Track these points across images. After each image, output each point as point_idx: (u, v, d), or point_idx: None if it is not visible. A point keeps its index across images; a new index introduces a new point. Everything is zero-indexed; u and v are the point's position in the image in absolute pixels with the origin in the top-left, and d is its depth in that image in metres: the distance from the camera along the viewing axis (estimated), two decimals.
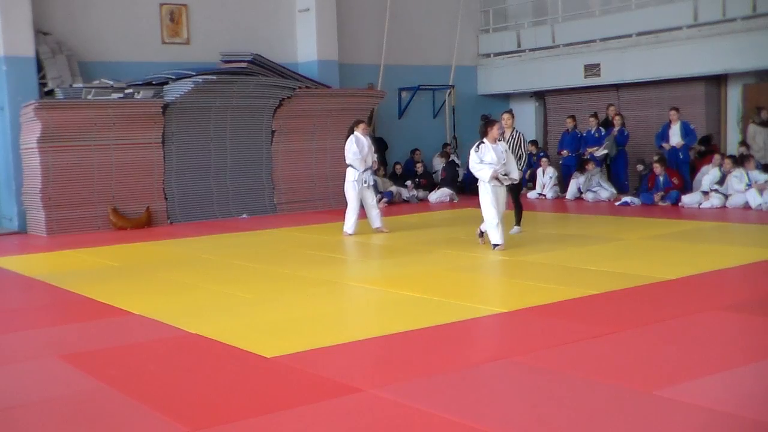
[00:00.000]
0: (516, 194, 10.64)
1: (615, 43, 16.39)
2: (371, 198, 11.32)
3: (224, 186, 14.29)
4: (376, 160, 11.58)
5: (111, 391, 4.67)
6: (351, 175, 11.16)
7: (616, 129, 15.47)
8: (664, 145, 14.76)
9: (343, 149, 15.52)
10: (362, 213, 11.35)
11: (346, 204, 15.23)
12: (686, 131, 14.63)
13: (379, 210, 11.45)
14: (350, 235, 11.09)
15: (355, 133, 11.20)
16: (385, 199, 15.39)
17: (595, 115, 15.94)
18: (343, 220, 11.21)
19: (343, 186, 15.43)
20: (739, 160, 13.32)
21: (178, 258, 9.89)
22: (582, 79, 17.03)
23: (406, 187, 16.47)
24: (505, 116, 10.64)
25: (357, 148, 11.03)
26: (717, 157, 14.07)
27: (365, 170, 11.15)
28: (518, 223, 10.68)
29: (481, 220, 9.46)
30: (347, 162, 11.20)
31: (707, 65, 14.95)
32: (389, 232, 11.21)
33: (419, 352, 5.36)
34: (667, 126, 14.82)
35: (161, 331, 6.07)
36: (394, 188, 16.24)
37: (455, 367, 4.91)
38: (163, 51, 14.80)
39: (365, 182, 11.11)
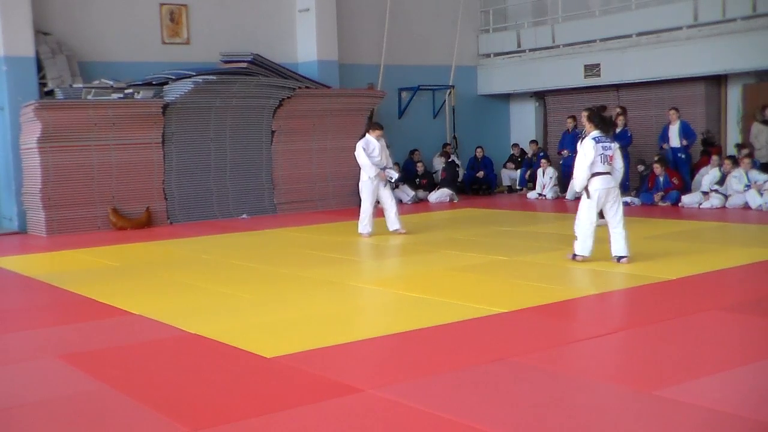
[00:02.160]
0: None
1: (615, 43, 16.39)
2: (390, 198, 11.02)
3: (224, 186, 14.29)
4: (391, 174, 11.18)
5: (111, 391, 4.67)
6: (364, 173, 10.93)
7: (619, 129, 15.46)
8: (664, 146, 14.77)
9: (344, 149, 15.67)
10: (379, 212, 11.25)
11: (346, 204, 15.44)
12: (686, 132, 14.64)
13: (397, 210, 11.12)
14: (365, 236, 10.83)
15: (366, 135, 11.01)
16: None
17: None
18: (343, 220, 11.17)
19: (343, 186, 15.59)
20: (738, 161, 13.36)
21: (178, 258, 9.89)
22: (582, 79, 17.02)
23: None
24: (584, 113, 10.62)
25: (364, 155, 10.79)
26: (716, 157, 14.09)
27: (384, 168, 10.91)
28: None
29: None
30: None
31: (707, 65, 14.95)
32: (407, 233, 10.94)
33: (419, 352, 5.36)
34: (668, 127, 14.83)
35: (161, 331, 6.07)
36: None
37: (455, 367, 4.91)
38: (163, 51, 14.79)
39: (390, 178, 10.97)
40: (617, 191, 8.25)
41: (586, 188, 8.19)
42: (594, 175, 8.10)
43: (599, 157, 8.06)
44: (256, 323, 6.26)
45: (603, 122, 8.27)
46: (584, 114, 9.98)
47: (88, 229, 12.87)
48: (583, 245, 8.20)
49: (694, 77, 15.49)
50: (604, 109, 8.65)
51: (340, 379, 4.70)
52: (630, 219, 10.95)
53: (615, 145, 8.28)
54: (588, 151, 8.04)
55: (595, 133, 8.19)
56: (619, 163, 8.24)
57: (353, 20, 16.97)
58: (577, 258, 8.27)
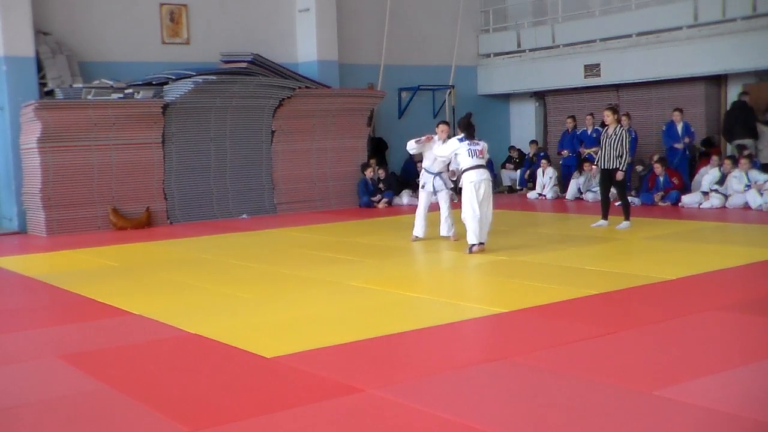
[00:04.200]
0: (621, 190, 11.05)
1: (615, 43, 16.38)
2: (444, 203, 10.30)
3: (224, 186, 14.29)
4: (453, 169, 10.31)
5: (111, 391, 4.67)
6: (421, 177, 10.48)
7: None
8: (677, 145, 14.74)
9: (344, 149, 15.68)
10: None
11: (346, 204, 15.46)
12: (688, 132, 14.67)
13: (449, 214, 10.28)
14: (418, 239, 10.32)
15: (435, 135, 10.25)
16: (385, 200, 15.40)
17: (591, 115, 15.97)
18: (343, 220, 11.08)
19: (343, 186, 15.59)
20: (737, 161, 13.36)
21: (178, 258, 9.89)
22: (582, 79, 17.02)
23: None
24: (606, 112, 10.82)
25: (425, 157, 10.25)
26: (716, 157, 14.08)
27: (436, 174, 10.22)
28: (627, 218, 10.93)
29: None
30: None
31: (707, 65, 14.95)
32: (456, 240, 10.05)
33: (419, 352, 5.36)
34: (673, 125, 14.83)
35: (161, 331, 6.07)
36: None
37: (455, 367, 4.91)
38: (163, 51, 14.79)
39: (433, 187, 10.24)
40: (490, 184, 9.17)
41: (458, 181, 9.19)
42: (468, 169, 9.03)
43: (468, 151, 9.07)
44: (256, 323, 6.26)
45: (468, 127, 9.30)
46: (606, 112, 10.87)
47: (88, 229, 12.87)
48: (474, 234, 8.91)
49: (694, 77, 15.49)
50: (470, 115, 9.57)
51: (340, 379, 4.70)
52: (630, 219, 10.98)
53: (483, 143, 9.37)
54: (452, 144, 9.26)
55: (461, 135, 9.18)
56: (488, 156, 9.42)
57: (353, 20, 16.97)
58: (474, 249, 8.92)
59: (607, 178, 11.00)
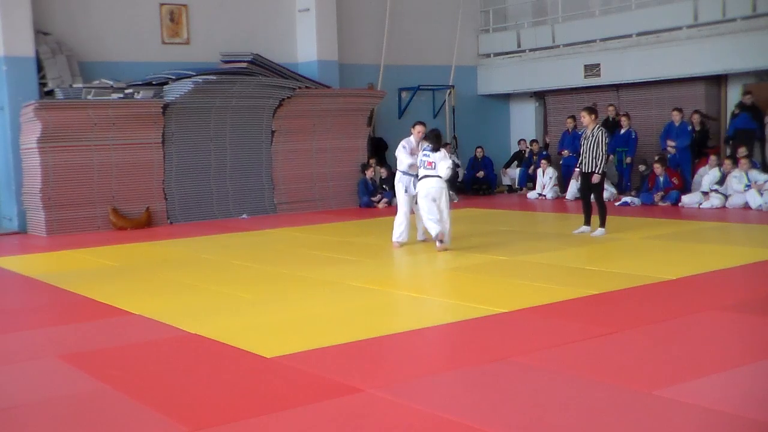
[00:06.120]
0: (597, 194, 10.55)
1: (615, 43, 16.38)
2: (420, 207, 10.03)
3: (224, 186, 14.29)
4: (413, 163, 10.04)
5: (111, 391, 4.67)
6: (398, 177, 10.16)
7: (623, 130, 15.42)
8: (669, 149, 14.72)
9: (344, 149, 15.69)
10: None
11: (346, 204, 15.45)
12: (686, 132, 14.67)
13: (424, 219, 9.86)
14: (399, 244, 9.91)
15: (411, 136, 10.11)
16: (385, 200, 15.40)
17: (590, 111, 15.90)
18: (343, 220, 10.99)
19: (343, 186, 15.58)
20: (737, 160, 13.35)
21: (178, 258, 9.89)
22: (582, 79, 17.02)
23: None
24: (583, 113, 10.63)
25: (404, 155, 9.97)
26: (714, 157, 14.07)
27: (414, 176, 9.95)
28: (603, 224, 10.42)
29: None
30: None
31: (707, 65, 14.95)
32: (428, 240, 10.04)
33: (419, 352, 5.36)
34: (672, 125, 14.84)
35: (161, 331, 6.07)
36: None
37: (455, 367, 4.91)
38: (163, 51, 14.79)
39: (406, 189, 9.99)
40: (445, 191, 9.51)
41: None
42: (423, 177, 9.51)
43: (421, 162, 9.56)
44: (256, 323, 6.26)
45: (435, 139, 9.65)
46: (582, 113, 10.56)
47: (88, 229, 12.87)
48: (435, 232, 9.32)
49: (694, 77, 15.48)
50: (437, 131, 9.93)
51: (340, 379, 4.70)
52: (630, 219, 10.99)
53: (437, 155, 9.47)
54: (445, 155, 9.61)
55: (425, 144, 9.65)
56: (440, 168, 9.45)
57: (353, 20, 16.98)
58: (442, 245, 9.30)
59: (588, 181, 10.66)
